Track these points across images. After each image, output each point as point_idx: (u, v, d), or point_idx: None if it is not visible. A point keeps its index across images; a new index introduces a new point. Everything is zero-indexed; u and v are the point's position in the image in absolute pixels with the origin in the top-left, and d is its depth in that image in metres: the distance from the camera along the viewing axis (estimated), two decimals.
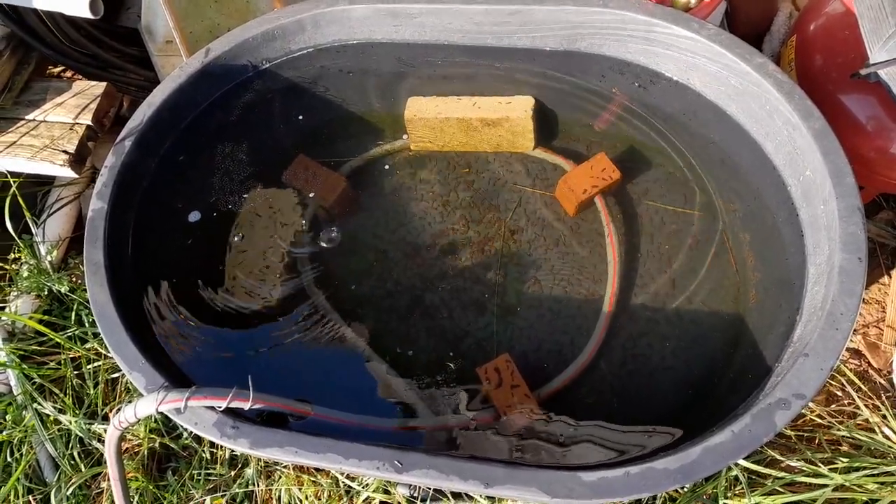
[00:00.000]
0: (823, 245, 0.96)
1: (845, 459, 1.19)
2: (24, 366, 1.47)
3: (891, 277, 1.45)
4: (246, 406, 0.89)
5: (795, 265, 1.02)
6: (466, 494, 1.22)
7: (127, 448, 1.43)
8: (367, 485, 1.29)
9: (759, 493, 1.17)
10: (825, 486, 1.15)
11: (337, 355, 1.11)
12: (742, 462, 1.19)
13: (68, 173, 1.49)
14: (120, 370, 1.47)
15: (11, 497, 1.39)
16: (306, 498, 1.31)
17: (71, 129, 1.51)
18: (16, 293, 1.56)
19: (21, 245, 1.57)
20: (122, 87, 1.69)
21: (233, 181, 1.28)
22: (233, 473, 1.36)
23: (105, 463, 1.40)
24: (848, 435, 1.24)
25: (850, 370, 1.33)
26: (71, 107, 1.54)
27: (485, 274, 1.15)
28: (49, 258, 1.58)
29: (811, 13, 1.30)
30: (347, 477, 1.31)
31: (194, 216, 1.24)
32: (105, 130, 1.57)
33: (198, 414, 0.91)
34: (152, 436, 1.40)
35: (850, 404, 1.30)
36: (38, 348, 1.51)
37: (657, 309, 1.08)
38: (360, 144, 1.30)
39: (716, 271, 1.09)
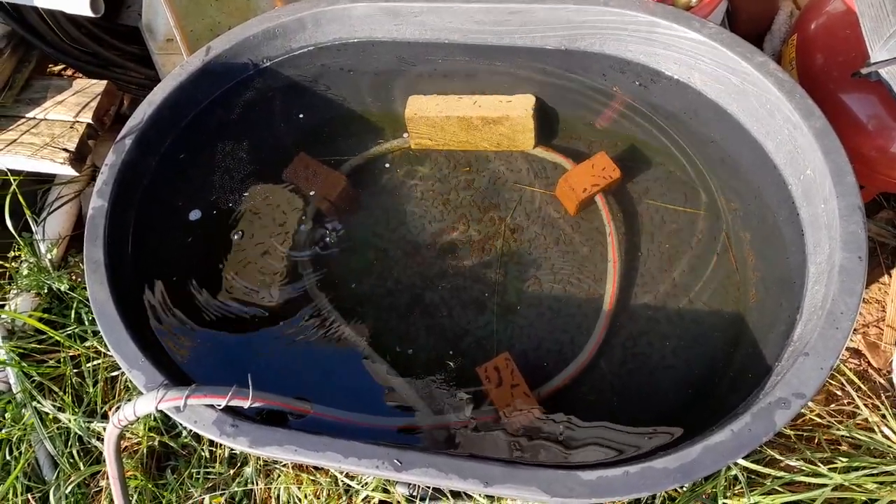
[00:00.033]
0: (824, 244, 0.96)
1: (845, 459, 1.19)
2: (24, 364, 1.47)
3: (891, 277, 1.44)
4: (245, 404, 0.89)
5: (796, 264, 1.02)
6: (466, 493, 1.22)
7: (126, 446, 1.43)
8: (366, 483, 1.29)
9: (758, 492, 1.17)
10: (824, 485, 1.15)
11: (336, 354, 1.11)
12: (741, 461, 1.19)
13: (69, 171, 1.49)
14: (119, 368, 1.47)
15: (10, 495, 1.39)
16: (305, 497, 1.31)
17: (71, 127, 1.51)
18: (15, 291, 1.56)
19: (21, 243, 1.57)
20: (122, 86, 1.69)
21: (233, 179, 1.28)
22: (232, 472, 1.36)
23: (104, 461, 1.39)
24: (847, 434, 1.24)
25: (850, 370, 1.33)
26: (71, 105, 1.54)
27: (485, 272, 1.15)
28: (49, 256, 1.58)
29: (812, 12, 1.29)
30: (346, 476, 1.31)
31: (195, 214, 1.24)
32: (105, 129, 1.57)
33: (197, 412, 0.90)
34: (151, 434, 1.40)
35: (849, 404, 1.29)
36: (38, 346, 1.51)
37: (657, 308, 1.08)
38: (361, 143, 1.30)
39: (716, 270, 1.09)
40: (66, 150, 1.47)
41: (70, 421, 1.41)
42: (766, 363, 0.95)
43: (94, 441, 1.43)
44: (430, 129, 1.25)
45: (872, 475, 1.15)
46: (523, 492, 0.80)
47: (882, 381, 1.34)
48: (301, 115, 1.35)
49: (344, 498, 1.30)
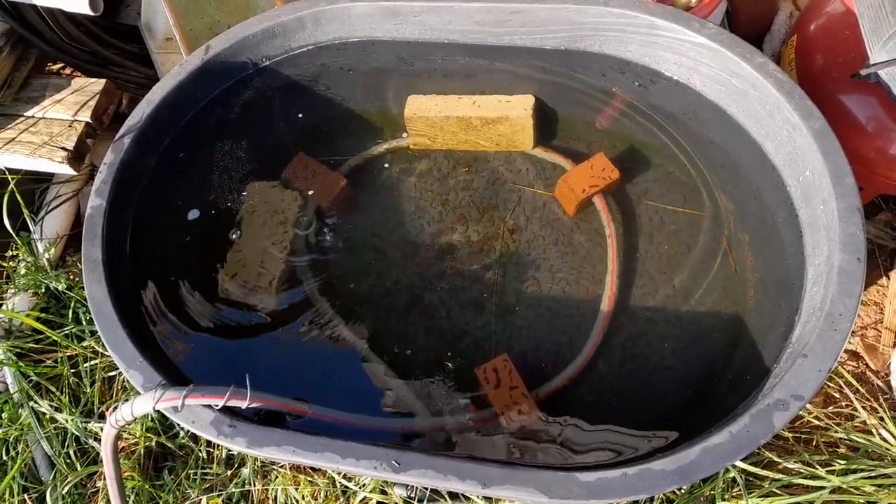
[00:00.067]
0: (823, 245, 0.96)
1: (843, 461, 1.19)
2: (21, 363, 1.47)
3: (889, 279, 1.45)
4: (243, 405, 0.89)
5: (794, 266, 1.02)
6: (464, 495, 1.22)
7: (123, 447, 1.43)
8: (363, 485, 1.28)
9: (756, 494, 1.17)
10: (822, 488, 1.15)
11: (335, 354, 1.11)
12: (739, 464, 1.19)
13: (67, 170, 1.48)
14: (117, 368, 1.47)
15: (7, 495, 1.39)
16: (303, 498, 1.31)
17: (70, 125, 1.51)
18: (13, 290, 1.55)
19: (19, 242, 1.57)
20: (121, 85, 1.68)
21: (232, 179, 1.28)
22: (229, 473, 1.36)
23: (101, 462, 1.39)
24: (845, 437, 1.24)
25: (848, 372, 1.33)
26: (70, 104, 1.53)
27: (484, 273, 1.15)
28: (47, 255, 1.58)
29: (812, 13, 1.30)
30: (344, 477, 1.31)
31: (193, 214, 1.24)
32: (104, 128, 1.57)
33: (195, 412, 0.90)
34: (149, 435, 1.40)
35: (847, 406, 1.29)
36: (35, 346, 1.50)
37: (656, 309, 1.08)
38: (360, 143, 1.30)
39: (715, 271, 1.09)
40: (64, 148, 1.47)
41: (67, 421, 1.41)
42: (765, 364, 0.95)
43: (91, 441, 1.42)
44: (429, 128, 1.25)
45: (870, 478, 1.15)
46: (521, 493, 0.80)
47: (880, 384, 1.34)
48: (300, 115, 1.35)
49: (342, 499, 1.30)
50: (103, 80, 1.57)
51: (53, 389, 1.46)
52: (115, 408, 0.91)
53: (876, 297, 1.44)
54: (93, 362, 1.47)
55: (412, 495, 1.20)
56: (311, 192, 1.24)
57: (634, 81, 1.24)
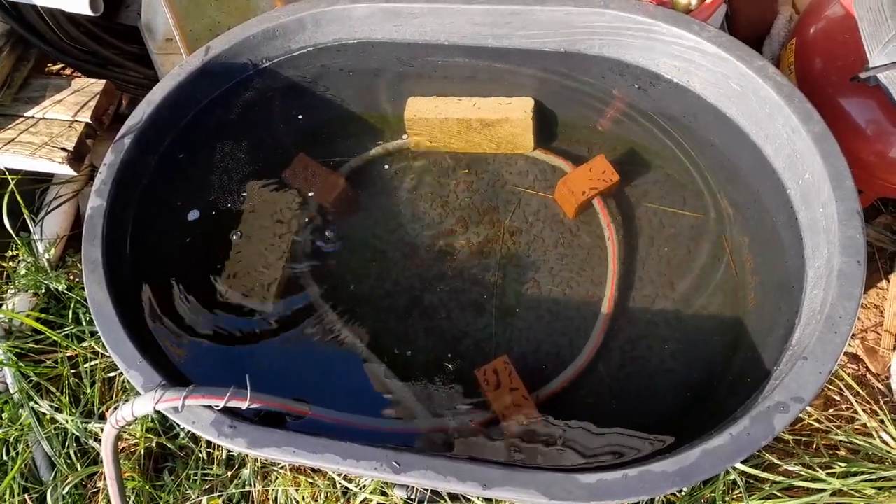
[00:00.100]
0: (822, 248, 0.96)
1: (843, 464, 1.19)
2: (21, 364, 1.47)
3: (889, 282, 1.45)
4: (243, 405, 0.89)
5: (794, 268, 1.02)
6: (464, 496, 1.22)
7: (123, 447, 1.43)
8: (364, 486, 1.29)
9: (756, 497, 1.17)
10: (823, 490, 1.15)
11: (335, 355, 1.11)
12: (740, 466, 1.19)
13: (67, 171, 1.48)
14: (117, 369, 1.47)
15: (7, 496, 1.39)
16: (303, 499, 1.31)
17: (70, 126, 1.51)
18: (13, 291, 1.55)
19: (19, 242, 1.57)
20: (121, 85, 1.69)
21: (232, 180, 1.28)
22: (229, 474, 1.36)
23: (101, 462, 1.39)
24: (846, 439, 1.24)
25: (849, 375, 1.33)
26: (70, 104, 1.54)
27: (483, 275, 1.15)
28: (47, 256, 1.58)
29: (811, 16, 1.30)
30: (344, 478, 1.31)
31: (193, 214, 1.24)
32: (104, 128, 1.57)
33: (195, 413, 0.90)
34: (149, 435, 1.40)
35: (848, 409, 1.30)
36: (35, 346, 1.50)
37: (656, 311, 1.08)
38: (360, 144, 1.30)
39: (715, 274, 1.09)
40: (64, 149, 1.47)
41: (67, 421, 1.41)
42: (765, 367, 0.95)
43: (91, 442, 1.42)
44: (429, 130, 1.25)
45: (871, 480, 1.16)
46: (522, 494, 0.80)
47: (880, 387, 1.34)
48: (300, 116, 1.35)
49: (342, 500, 1.30)
50: (103, 81, 1.58)
51: (53, 390, 1.46)
52: (116, 408, 0.91)
53: (876, 301, 1.44)
54: (93, 363, 1.47)
55: (412, 496, 1.20)
56: (311, 193, 1.25)
57: (634, 84, 1.24)
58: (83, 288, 1.15)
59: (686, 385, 1.01)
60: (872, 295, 1.45)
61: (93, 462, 1.42)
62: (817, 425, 1.27)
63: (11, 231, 1.55)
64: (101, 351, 1.48)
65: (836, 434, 1.25)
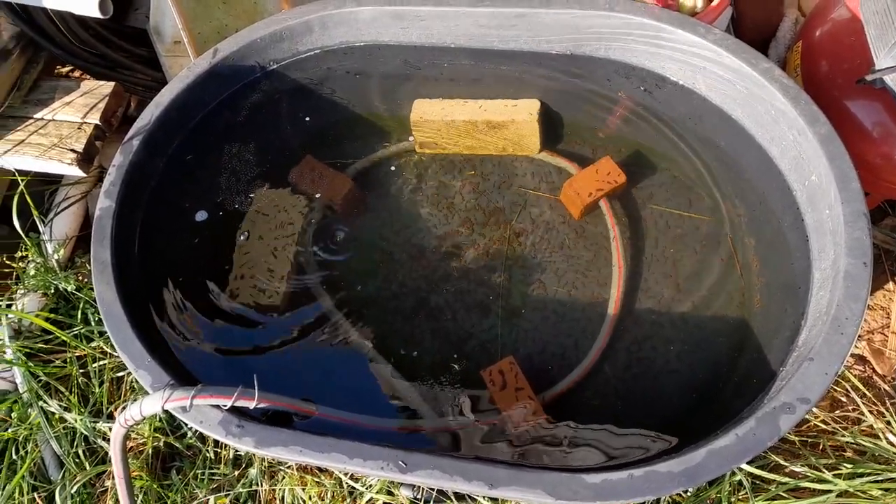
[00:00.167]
0: (829, 250, 0.96)
1: (849, 465, 1.19)
2: (30, 363, 1.48)
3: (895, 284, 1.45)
4: (251, 405, 0.89)
5: (800, 270, 1.02)
6: (470, 496, 1.23)
7: (131, 447, 1.43)
8: (370, 486, 1.29)
9: (762, 498, 1.17)
10: (829, 491, 1.15)
11: (341, 355, 1.11)
12: (746, 467, 1.19)
13: (76, 172, 1.49)
14: (125, 368, 1.48)
15: (16, 494, 1.40)
16: (310, 498, 1.31)
17: (79, 128, 1.52)
18: (23, 291, 1.56)
19: (28, 243, 1.58)
20: (129, 87, 1.70)
21: (240, 181, 1.29)
22: (236, 473, 1.37)
23: (110, 461, 1.40)
24: (852, 441, 1.24)
25: (855, 376, 1.33)
26: (79, 106, 1.55)
27: (489, 276, 1.15)
28: (56, 256, 1.59)
29: (817, 19, 1.30)
30: (351, 477, 1.31)
31: (201, 215, 1.25)
32: (113, 130, 1.58)
33: (203, 412, 0.91)
34: (157, 435, 1.41)
35: (854, 410, 1.29)
36: (45, 346, 1.51)
37: (662, 312, 1.08)
38: (367, 146, 1.31)
39: (721, 275, 1.09)
40: (73, 150, 1.48)
41: (76, 421, 1.42)
42: (771, 368, 0.95)
43: (99, 441, 1.43)
44: (435, 132, 1.26)
45: (877, 482, 1.15)
46: (528, 494, 0.80)
47: (887, 388, 1.34)
48: (307, 118, 1.35)
49: (348, 500, 1.31)
50: (112, 83, 1.59)
51: (62, 389, 1.47)
52: (124, 407, 0.92)
53: (882, 302, 1.44)
54: (101, 362, 1.48)
55: (418, 496, 1.21)
56: (318, 195, 1.25)
57: (640, 86, 1.25)
58: (92, 288, 1.15)
59: (692, 386, 1.01)
60: (879, 296, 1.45)
61: (101, 461, 1.43)
62: (823, 426, 1.27)
63: (21, 232, 1.57)
64: (109, 351, 1.49)
65: (843, 435, 1.25)
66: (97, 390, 1.46)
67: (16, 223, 1.56)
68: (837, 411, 1.30)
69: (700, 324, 1.06)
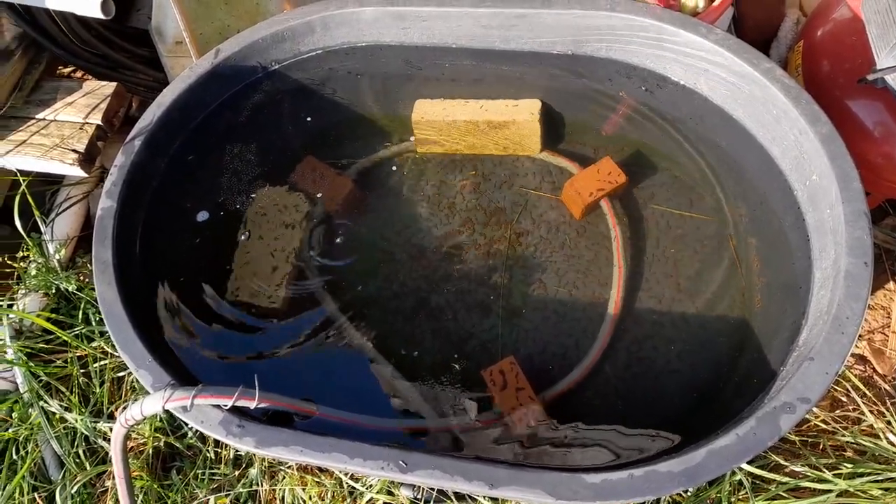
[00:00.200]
0: (829, 249, 0.96)
1: (850, 465, 1.19)
2: (31, 363, 1.48)
3: None
4: (252, 405, 0.89)
5: (801, 269, 1.02)
6: (470, 496, 1.23)
7: (132, 447, 1.43)
8: (370, 486, 1.29)
9: (762, 497, 1.17)
10: (829, 491, 1.15)
11: (342, 355, 1.11)
12: (746, 467, 1.19)
13: (78, 172, 1.50)
14: (126, 369, 1.48)
15: (17, 494, 1.40)
16: (310, 498, 1.31)
17: (81, 128, 1.52)
18: (24, 291, 1.56)
19: (30, 243, 1.58)
20: (131, 88, 1.70)
21: (241, 181, 1.29)
22: (237, 473, 1.37)
23: (110, 461, 1.40)
24: (852, 440, 1.24)
25: (855, 376, 1.33)
26: (81, 106, 1.55)
27: (490, 276, 1.15)
28: (57, 257, 1.59)
29: (818, 19, 1.30)
30: (351, 478, 1.31)
31: (203, 216, 1.25)
32: (114, 130, 1.58)
33: (204, 412, 0.91)
34: (157, 435, 1.41)
35: (854, 410, 1.29)
36: (45, 346, 1.51)
37: (662, 312, 1.08)
38: (368, 146, 1.31)
39: (721, 275, 1.09)
40: (75, 151, 1.48)
41: (77, 421, 1.42)
42: (772, 368, 0.95)
43: (100, 441, 1.43)
44: (436, 132, 1.26)
45: (878, 481, 1.15)
46: (528, 494, 0.80)
47: (887, 388, 1.34)
48: (309, 118, 1.36)
49: (349, 500, 1.31)
50: (114, 84, 1.59)
51: (63, 389, 1.47)
52: (125, 407, 0.92)
53: (883, 302, 1.44)
54: (102, 362, 1.48)
55: (418, 496, 1.21)
56: (319, 195, 1.25)
57: (641, 86, 1.25)
58: (93, 288, 1.16)
59: (692, 386, 1.01)
60: (879, 296, 1.45)
61: (101, 461, 1.43)
62: (824, 426, 1.27)
63: (23, 232, 1.57)
64: (110, 351, 1.49)
65: (843, 435, 1.25)
66: (98, 390, 1.46)
67: (17, 223, 1.56)
68: (838, 411, 1.30)
69: (701, 323, 1.06)
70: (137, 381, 1.38)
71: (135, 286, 1.11)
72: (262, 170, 1.31)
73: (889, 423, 1.25)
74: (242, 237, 1.23)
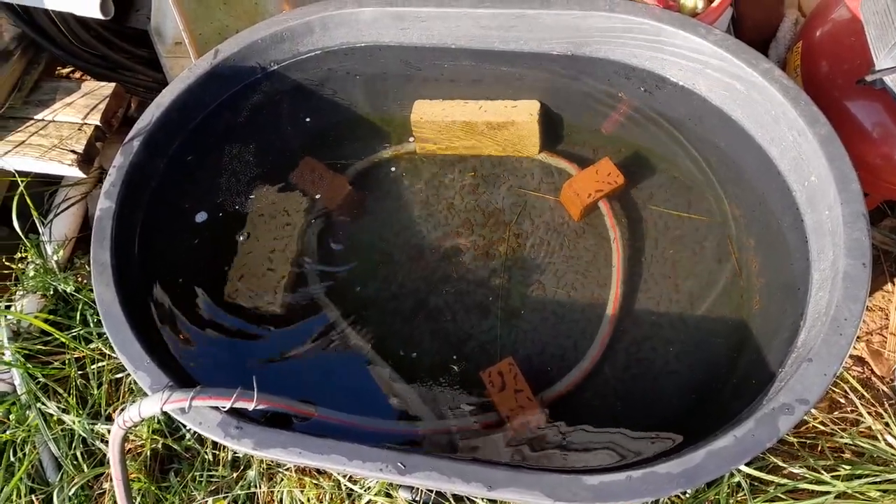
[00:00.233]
0: (828, 251, 0.96)
1: (848, 467, 1.19)
2: (29, 365, 1.47)
3: (894, 285, 1.44)
4: (250, 406, 0.89)
5: (800, 270, 1.02)
6: (468, 498, 1.22)
7: (129, 449, 1.43)
8: (368, 488, 1.29)
9: (761, 499, 1.17)
10: (828, 493, 1.15)
11: (340, 357, 1.11)
12: (744, 468, 1.19)
13: (76, 173, 1.49)
14: (124, 370, 1.48)
15: (14, 496, 1.39)
16: (308, 500, 1.31)
17: (79, 129, 1.52)
18: (22, 292, 1.56)
19: (28, 244, 1.58)
20: (130, 88, 1.70)
21: (240, 182, 1.29)
22: (235, 475, 1.36)
23: (108, 463, 1.40)
24: (851, 442, 1.24)
25: (854, 377, 1.33)
26: (80, 107, 1.55)
27: (489, 277, 1.15)
28: (55, 258, 1.59)
29: (817, 19, 1.30)
30: (349, 479, 1.31)
31: (201, 216, 1.25)
32: (113, 131, 1.58)
33: (202, 414, 0.91)
34: (155, 437, 1.41)
35: (853, 412, 1.29)
36: (43, 348, 1.51)
37: (661, 313, 1.08)
38: (367, 147, 1.31)
39: (720, 276, 1.09)
40: (73, 151, 1.48)
41: (74, 423, 1.42)
42: (770, 369, 0.95)
43: (97, 443, 1.43)
44: (435, 133, 1.26)
45: (876, 483, 1.15)
46: (526, 496, 0.80)
47: (885, 390, 1.34)
48: (308, 119, 1.36)
49: (347, 502, 1.30)
50: (113, 84, 1.59)
51: (61, 391, 1.46)
52: (123, 409, 0.92)
53: (881, 303, 1.44)
54: (100, 364, 1.48)
55: (416, 498, 1.21)
56: (318, 196, 1.25)
57: (640, 87, 1.25)
58: (91, 289, 1.16)
59: (691, 387, 1.01)
60: (878, 298, 1.45)
61: (99, 463, 1.42)
62: (822, 428, 1.27)
63: (21, 233, 1.57)
64: (108, 352, 1.49)
65: (841, 437, 1.25)
66: (96, 392, 1.46)
67: (15, 224, 1.56)
68: (836, 413, 1.30)
69: (699, 325, 1.06)
70: (135, 382, 1.38)
71: (133, 287, 1.11)
72: (260, 170, 1.30)
73: (887, 424, 1.25)
74: (241, 238, 1.23)
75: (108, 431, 1.40)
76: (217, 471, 1.37)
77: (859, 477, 1.16)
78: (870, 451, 1.22)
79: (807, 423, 1.29)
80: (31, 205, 1.55)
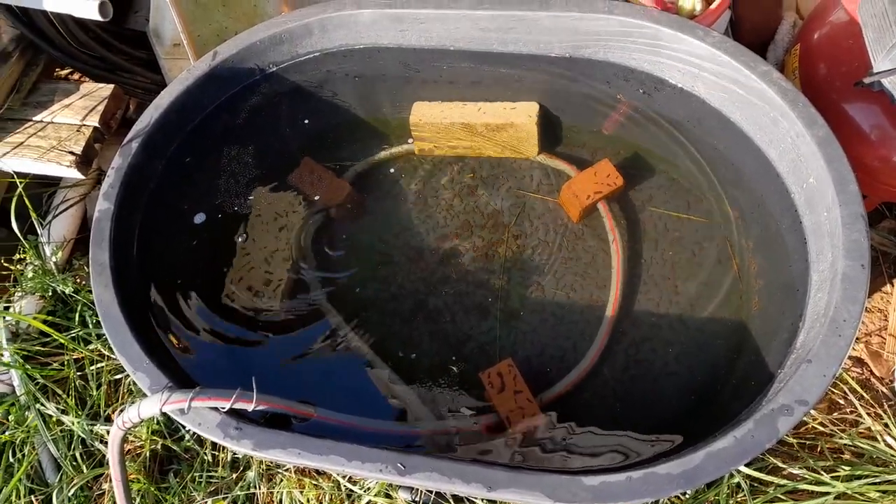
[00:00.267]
0: (826, 252, 0.96)
1: (847, 468, 1.19)
2: (28, 366, 1.47)
3: (893, 286, 1.45)
4: (249, 407, 0.89)
5: (798, 272, 1.02)
6: (468, 499, 1.22)
7: (129, 450, 1.43)
8: (368, 488, 1.29)
9: (760, 500, 1.17)
10: (827, 493, 1.15)
11: (340, 358, 1.11)
12: (744, 469, 1.19)
13: (75, 174, 1.49)
14: (123, 371, 1.48)
15: (13, 497, 1.39)
16: (307, 501, 1.31)
17: (78, 130, 1.52)
18: (20, 293, 1.56)
19: (26, 245, 1.58)
20: (129, 90, 1.70)
21: (238, 184, 1.29)
22: (234, 476, 1.36)
23: (107, 464, 1.40)
24: (850, 443, 1.24)
25: (853, 378, 1.33)
26: (78, 108, 1.55)
27: (488, 278, 1.15)
28: (54, 259, 1.59)
29: (815, 22, 1.30)
30: (349, 480, 1.31)
31: (200, 218, 1.25)
32: (112, 132, 1.58)
33: (201, 415, 0.91)
34: (154, 437, 1.41)
35: (852, 412, 1.29)
36: (42, 349, 1.51)
37: (660, 315, 1.08)
38: (366, 148, 1.31)
39: (719, 278, 1.09)
40: (72, 153, 1.48)
41: (73, 423, 1.42)
42: (769, 370, 0.96)
43: (97, 444, 1.43)
44: (434, 135, 1.26)
45: (875, 484, 1.15)
46: (526, 496, 0.80)
47: (884, 391, 1.34)
48: (306, 121, 1.36)
49: (346, 502, 1.30)
50: (111, 86, 1.59)
51: (60, 392, 1.46)
52: (122, 410, 0.92)
53: (880, 305, 1.44)
54: (99, 365, 1.48)
55: (416, 499, 1.20)
56: (316, 197, 1.25)
57: (639, 89, 1.25)
58: (90, 290, 1.15)
59: (690, 388, 1.01)
60: (877, 299, 1.45)
61: (98, 464, 1.42)
62: (821, 429, 1.27)
63: (19, 234, 1.56)
64: (107, 353, 1.49)
65: (841, 437, 1.25)
66: (95, 393, 1.46)
67: (14, 225, 1.55)
68: (835, 414, 1.30)
69: (698, 326, 1.06)
70: (135, 383, 1.37)
71: (132, 288, 1.11)
72: (259, 172, 1.30)
73: (886, 425, 1.26)
74: (239, 239, 1.23)
75: (108, 432, 1.40)
76: (216, 472, 1.37)
77: (859, 478, 1.16)
78: (869, 452, 1.22)
79: (806, 424, 1.29)
80: (29, 206, 1.55)
